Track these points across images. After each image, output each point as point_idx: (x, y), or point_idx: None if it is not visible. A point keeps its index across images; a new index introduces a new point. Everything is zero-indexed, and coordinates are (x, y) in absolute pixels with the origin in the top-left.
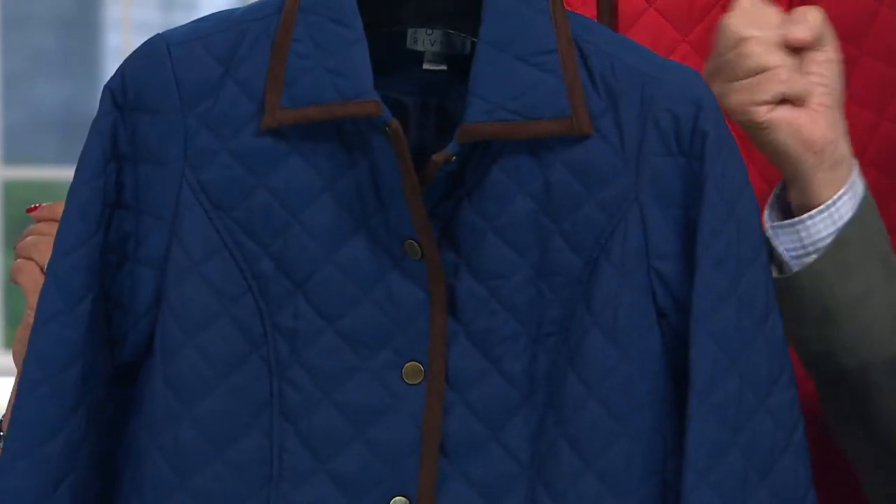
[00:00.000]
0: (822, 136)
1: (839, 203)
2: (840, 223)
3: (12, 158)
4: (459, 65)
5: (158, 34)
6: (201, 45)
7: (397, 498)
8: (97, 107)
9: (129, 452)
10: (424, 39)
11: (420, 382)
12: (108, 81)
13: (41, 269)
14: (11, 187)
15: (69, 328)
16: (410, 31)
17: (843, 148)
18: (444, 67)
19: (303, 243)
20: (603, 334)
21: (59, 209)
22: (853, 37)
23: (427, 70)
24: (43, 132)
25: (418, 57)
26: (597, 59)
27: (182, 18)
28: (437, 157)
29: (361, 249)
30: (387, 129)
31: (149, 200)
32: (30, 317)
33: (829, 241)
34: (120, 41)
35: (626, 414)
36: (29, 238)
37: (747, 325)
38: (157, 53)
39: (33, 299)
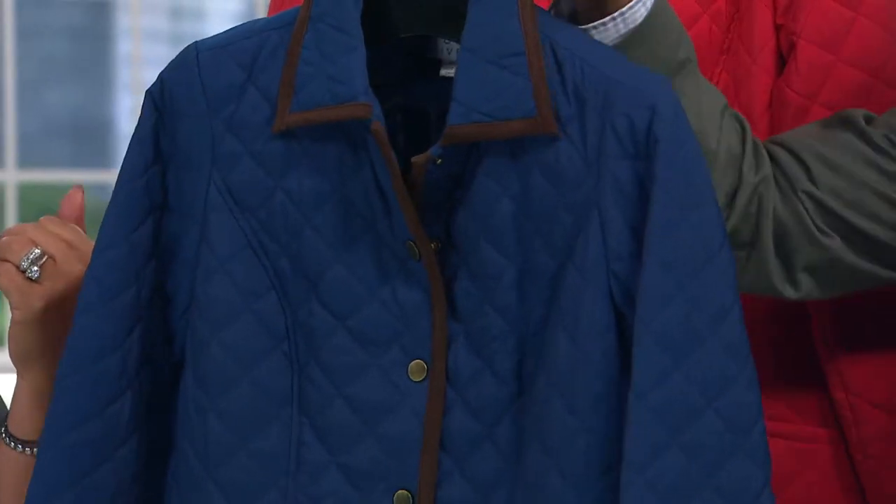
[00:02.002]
0: None
1: (635, 8)
2: (632, 26)
3: (26, 162)
4: None
5: (194, 42)
6: (226, 53)
7: (400, 491)
8: (108, 112)
9: (170, 445)
10: (441, 48)
11: (423, 380)
12: (150, 87)
13: (17, 268)
14: (25, 190)
15: (103, 322)
16: (431, 41)
17: None
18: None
19: (314, 244)
20: (566, 334)
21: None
22: (830, 45)
23: (444, 77)
24: (55, 137)
25: (439, 66)
26: (569, 66)
27: (190, 27)
28: (417, 159)
29: (368, 251)
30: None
31: (184, 202)
32: (15, 315)
33: (617, 41)
34: (129, 49)
35: (585, 411)
36: (3, 239)
37: (698, 326)
38: (188, 60)
39: (14, 299)
